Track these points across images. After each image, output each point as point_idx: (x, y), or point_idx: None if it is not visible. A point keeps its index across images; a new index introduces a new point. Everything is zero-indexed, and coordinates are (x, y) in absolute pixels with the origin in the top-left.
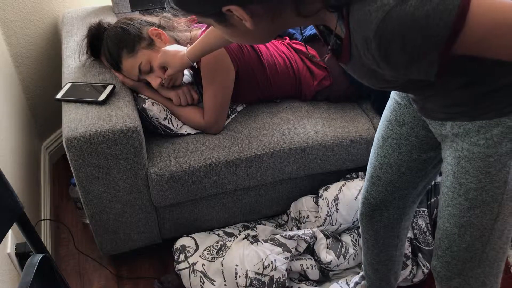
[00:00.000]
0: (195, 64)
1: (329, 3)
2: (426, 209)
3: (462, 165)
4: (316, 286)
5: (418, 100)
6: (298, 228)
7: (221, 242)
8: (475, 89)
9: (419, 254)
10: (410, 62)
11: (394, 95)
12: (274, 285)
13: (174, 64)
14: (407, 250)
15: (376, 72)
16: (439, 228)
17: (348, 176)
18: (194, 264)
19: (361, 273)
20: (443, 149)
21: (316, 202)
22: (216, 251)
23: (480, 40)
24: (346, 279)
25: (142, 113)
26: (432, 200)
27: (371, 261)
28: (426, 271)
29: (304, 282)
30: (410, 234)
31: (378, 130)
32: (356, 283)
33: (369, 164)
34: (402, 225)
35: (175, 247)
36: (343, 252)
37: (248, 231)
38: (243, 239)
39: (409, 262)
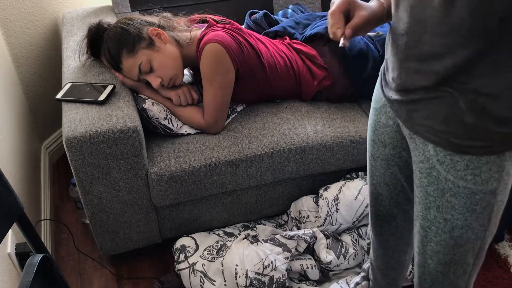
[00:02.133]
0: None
1: None
2: None
3: (448, 199)
4: (316, 286)
5: (409, 107)
6: (298, 228)
7: (221, 242)
8: (483, 112)
9: None
10: None
11: (373, 112)
12: (274, 285)
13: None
14: None
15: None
16: (419, 265)
17: (348, 176)
18: (194, 264)
19: (362, 273)
20: (417, 175)
21: (316, 202)
22: (216, 251)
23: None
24: (346, 279)
25: (142, 113)
26: None
27: (380, 266)
28: None
29: (304, 282)
30: None
31: (367, 147)
32: (357, 284)
33: (368, 179)
34: (411, 232)
35: (175, 247)
36: (343, 252)
37: (248, 231)
38: (243, 239)
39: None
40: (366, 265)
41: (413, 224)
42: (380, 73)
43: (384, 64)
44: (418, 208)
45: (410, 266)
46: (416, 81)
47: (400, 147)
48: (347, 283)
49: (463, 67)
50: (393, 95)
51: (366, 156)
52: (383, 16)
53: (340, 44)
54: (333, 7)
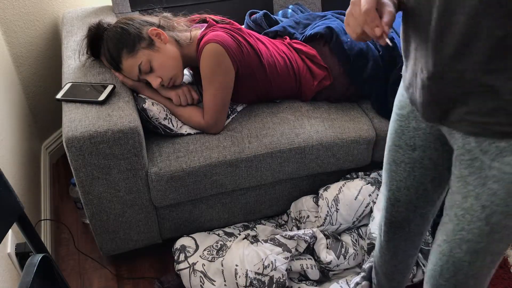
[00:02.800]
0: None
1: None
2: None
3: (489, 186)
4: (316, 286)
5: (443, 107)
6: (298, 228)
7: (221, 242)
8: None
9: (419, 254)
10: None
11: (398, 118)
12: (274, 285)
13: None
14: None
15: None
16: (443, 254)
17: (348, 176)
18: (194, 264)
19: (362, 273)
20: (457, 166)
21: (316, 202)
22: (216, 251)
23: None
24: (346, 279)
25: (142, 113)
26: None
27: (386, 271)
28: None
29: (304, 282)
30: None
31: (387, 154)
32: (357, 284)
33: (384, 185)
34: (422, 237)
35: (175, 247)
36: (343, 252)
37: (248, 231)
38: (243, 239)
39: None
40: (366, 265)
41: (425, 228)
42: (403, 80)
43: (405, 67)
44: (455, 198)
45: None
46: (452, 69)
47: (432, 148)
48: (347, 283)
49: (501, 49)
50: (424, 99)
51: (366, 156)
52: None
53: (389, 43)
54: (366, 5)
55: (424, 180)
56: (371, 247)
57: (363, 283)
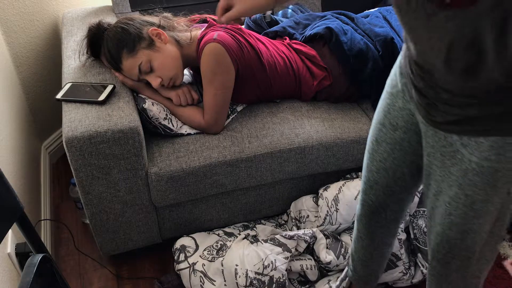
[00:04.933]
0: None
1: None
2: (426, 209)
3: (470, 178)
4: (310, 286)
5: (433, 106)
6: (298, 228)
7: (221, 242)
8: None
9: (419, 254)
10: None
11: (387, 96)
12: (274, 285)
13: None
14: (399, 251)
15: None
16: (438, 234)
17: (348, 176)
18: (194, 264)
19: (346, 268)
20: (438, 157)
21: (316, 202)
22: (216, 251)
23: None
24: (338, 276)
25: (142, 113)
26: None
27: (363, 258)
28: (425, 271)
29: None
30: (410, 234)
31: (371, 132)
32: (342, 280)
33: (365, 166)
34: (397, 224)
35: (175, 247)
36: (342, 252)
37: (248, 231)
38: (243, 239)
39: (399, 263)
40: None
41: (400, 216)
42: (401, 60)
43: (404, 47)
44: (441, 185)
45: (402, 267)
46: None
47: (413, 130)
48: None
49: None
50: (414, 95)
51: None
52: None
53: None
54: None
55: (402, 164)
56: (354, 237)
57: (347, 279)
